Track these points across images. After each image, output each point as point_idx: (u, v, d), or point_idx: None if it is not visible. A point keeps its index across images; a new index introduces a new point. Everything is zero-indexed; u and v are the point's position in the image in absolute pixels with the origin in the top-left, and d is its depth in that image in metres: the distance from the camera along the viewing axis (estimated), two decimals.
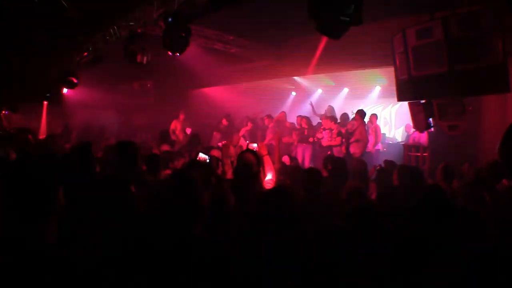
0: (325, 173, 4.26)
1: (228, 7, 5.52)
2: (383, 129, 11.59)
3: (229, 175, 3.84)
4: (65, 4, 6.43)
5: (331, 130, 8.41)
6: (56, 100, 10.83)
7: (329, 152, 8.16)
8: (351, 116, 8.83)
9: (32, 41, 8.39)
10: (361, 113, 8.13)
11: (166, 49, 5.91)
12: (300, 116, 9.48)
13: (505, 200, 3.25)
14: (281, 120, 10.28)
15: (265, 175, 3.41)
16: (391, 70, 5.48)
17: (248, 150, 3.56)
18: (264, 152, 3.58)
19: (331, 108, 10.15)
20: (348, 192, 3.45)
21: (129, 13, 6.76)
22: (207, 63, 10.45)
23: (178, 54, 5.94)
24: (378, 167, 5.09)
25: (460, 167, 5.22)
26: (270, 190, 2.59)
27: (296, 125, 9.66)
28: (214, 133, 10.42)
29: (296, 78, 11.95)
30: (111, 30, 7.35)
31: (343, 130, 8.30)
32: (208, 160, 4.02)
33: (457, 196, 3.54)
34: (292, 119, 10.61)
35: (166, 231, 1.84)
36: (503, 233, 2.33)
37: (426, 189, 3.37)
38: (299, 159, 8.67)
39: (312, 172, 3.71)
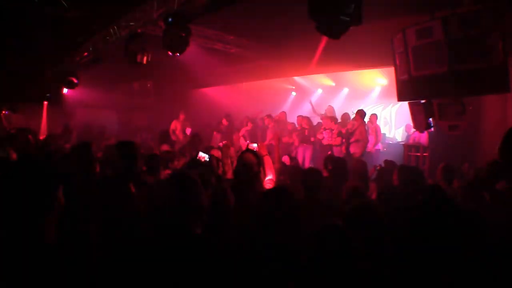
0: (325, 173, 4.26)
1: (228, 7, 5.52)
2: (383, 129, 11.59)
3: (229, 175, 3.85)
4: (65, 4, 6.43)
5: (331, 130, 8.41)
6: (56, 100, 10.84)
7: (329, 152, 8.16)
8: (352, 116, 8.83)
9: (32, 41, 8.38)
10: (361, 113, 8.13)
11: (166, 49, 5.91)
12: (300, 116, 9.47)
13: (505, 200, 3.25)
14: (281, 120, 10.28)
15: (265, 175, 3.41)
16: (391, 70, 5.48)
17: (248, 150, 3.56)
18: (264, 152, 3.59)
19: (331, 108, 10.15)
20: (348, 192, 3.45)
21: (129, 13, 6.76)
22: (207, 63, 10.46)
23: (178, 54, 5.94)
24: (378, 167, 5.10)
25: (460, 167, 5.23)
26: (270, 190, 2.59)
27: (297, 125, 9.66)
28: (214, 133, 10.43)
29: (296, 78, 11.95)
30: (111, 30, 7.35)
31: (343, 130, 8.30)
32: (207, 159, 4.01)
33: (457, 196, 3.54)
34: (292, 119, 10.61)
35: (166, 231, 1.84)
36: (503, 233, 2.33)
37: (426, 189, 3.37)
38: (300, 159, 8.67)
39: (312, 172, 3.71)
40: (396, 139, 11.99)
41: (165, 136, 8.20)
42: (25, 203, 1.44)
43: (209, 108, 13.17)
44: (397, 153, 8.32)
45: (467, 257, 1.78)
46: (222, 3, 5.44)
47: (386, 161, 5.29)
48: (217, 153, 5.09)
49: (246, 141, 8.82)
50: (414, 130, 7.44)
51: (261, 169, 3.31)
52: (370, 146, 8.30)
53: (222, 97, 13.44)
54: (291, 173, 4.55)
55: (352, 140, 7.98)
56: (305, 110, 11.25)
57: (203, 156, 4.03)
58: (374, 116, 9.11)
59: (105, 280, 1.69)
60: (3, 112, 10.53)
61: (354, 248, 1.73)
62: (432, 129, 5.43)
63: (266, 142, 8.25)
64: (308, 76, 11.72)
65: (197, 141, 6.93)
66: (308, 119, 9.18)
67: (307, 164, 8.62)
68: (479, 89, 4.42)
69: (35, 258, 1.38)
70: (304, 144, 8.97)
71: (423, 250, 1.89)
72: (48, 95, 10.87)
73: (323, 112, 10.09)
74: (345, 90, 12.82)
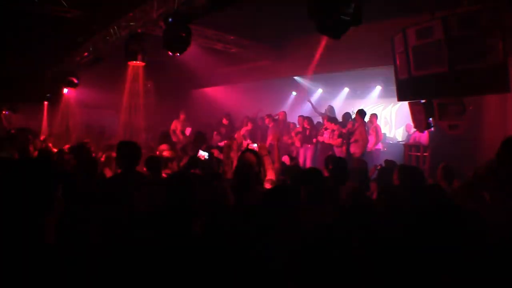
0: (326, 173, 4.26)
1: (228, 7, 5.52)
2: (384, 129, 11.58)
3: (229, 175, 3.84)
4: (65, 4, 6.44)
5: (332, 131, 8.41)
6: (56, 100, 10.85)
7: (330, 153, 8.15)
8: (353, 116, 8.82)
9: (32, 41, 8.39)
10: (361, 113, 8.13)
11: (166, 49, 5.91)
12: (301, 116, 9.46)
13: (505, 200, 3.24)
14: (281, 120, 10.27)
15: (265, 175, 3.41)
16: (391, 70, 5.48)
17: (248, 150, 3.56)
18: (264, 152, 3.58)
19: (331, 108, 10.14)
20: (348, 192, 3.45)
21: (129, 13, 6.77)
22: (207, 63, 10.46)
23: (178, 54, 5.94)
24: (379, 167, 5.09)
25: (461, 167, 5.21)
26: (271, 190, 2.59)
27: (297, 125, 9.64)
28: (214, 133, 10.42)
29: (296, 78, 11.94)
30: (111, 30, 7.35)
31: (344, 131, 8.29)
32: (207, 157, 4.01)
33: (457, 196, 3.53)
34: (292, 119, 10.60)
35: (165, 230, 1.84)
36: (503, 233, 2.33)
37: (426, 188, 3.37)
38: (301, 160, 8.66)
39: (312, 172, 3.70)
40: (397, 139, 11.98)
41: (165, 137, 8.19)
42: (26, 203, 1.44)
43: (209, 108, 13.16)
44: (397, 153, 8.31)
45: (467, 257, 1.77)
46: (222, 3, 5.44)
47: (386, 161, 5.28)
48: (217, 153, 5.10)
49: (246, 141, 8.82)
50: (415, 129, 7.44)
51: (261, 169, 3.31)
52: (370, 146, 8.30)
53: (222, 97, 13.43)
54: (291, 173, 4.54)
55: (351, 140, 7.98)
56: (305, 110, 11.24)
57: (203, 154, 4.03)
58: (374, 116, 9.10)
59: (105, 279, 1.69)
60: (3, 112, 10.54)
61: (353, 248, 1.72)
62: (432, 128, 5.43)
63: (267, 143, 8.24)
64: (308, 75, 11.73)
65: (201, 139, 6.90)
66: (309, 119, 9.17)
67: (308, 164, 8.61)
68: (479, 89, 4.42)
69: (35, 258, 1.38)
70: (306, 145, 8.96)
71: (423, 250, 1.89)
72: (48, 95, 10.87)
73: (323, 112, 10.08)
74: (345, 90, 12.81)
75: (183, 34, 5.73)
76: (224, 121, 10.29)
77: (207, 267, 1.73)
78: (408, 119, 7.08)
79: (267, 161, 3.49)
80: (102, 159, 5.58)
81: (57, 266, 1.42)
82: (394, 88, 5.48)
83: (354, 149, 7.88)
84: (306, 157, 8.91)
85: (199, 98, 13.86)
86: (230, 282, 1.78)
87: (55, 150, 6.87)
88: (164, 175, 4.31)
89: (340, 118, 9.19)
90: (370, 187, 4.44)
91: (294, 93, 13.88)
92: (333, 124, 8.52)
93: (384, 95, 11.92)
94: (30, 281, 1.35)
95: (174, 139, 9.25)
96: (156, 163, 4.23)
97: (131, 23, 6.82)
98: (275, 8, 6.79)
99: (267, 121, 9.94)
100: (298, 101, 13.41)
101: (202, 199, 1.99)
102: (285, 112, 10.61)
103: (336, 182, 3.89)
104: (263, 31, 8.51)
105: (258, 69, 10.83)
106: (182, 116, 9.87)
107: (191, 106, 12.61)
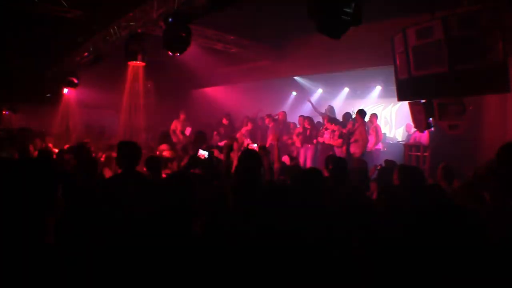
0: (326, 173, 4.26)
1: (228, 7, 5.52)
2: (384, 129, 11.58)
3: (230, 174, 3.84)
4: (65, 4, 6.44)
5: (333, 131, 8.40)
6: (56, 100, 10.86)
7: (330, 153, 8.15)
8: (353, 116, 8.82)
9: (32, 41, 8.40)
10: (361, 113, 8.14)
11: (166, 49, 5.91)
12: (302, 116, 9.45)
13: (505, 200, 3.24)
14: (281, 120, 10.27)
15: (265, 175, 3.41)
16: (391, 70, 5.48)
17: (248, 150, 3.56)
18: (263, 152, 3.58)
19: (331, 108, 10.14)
20: (348, 192, 3.45)
21: (129, 13, 6.77)
22: (207, 63, 10.45)
23: (178, 54, 5.94)
24: (379, 167, 5.09)
25: (461, 167, 5.21)
26: (271, 190, 2.59)
27: (298, 125, 9.64)
28: (214, 133, 10.42)
29: (296, 78, 11.95)
30: (111, 30, 7.35)
31: (344, 131, 8.29)
32: (207, 157, 4.01)
33: (457, 196, 3.53)
34: (292, 119, 10.59)
35: (165, 230, 1.84)
36: (503, 233, 2.33)
37: (426, 188, 3.37)
38: (301, 160, 8.66)
39: (312, 172, 3.70)
40: (397, 139, 11.98)
41: (165, 137, 8.19)
42: (26, 203, 1.44)
43: (209, 108, 13.16)
44: (397, 153, 8.31)
45: (467, 257, 1.77)
46: (222, 3, 5.44)
47: (386, 161, 5.28)
48: (216, 153, 5.10)
49: (246, 140, 8.82)
50: (415, 129, 7.44)
51: (261, 169, 3.31)
52: (370, 146, 8.30)
53: (222, 97, 13.43)
54: (291, 173, 4.54)
55: (351, 140, 7.98)
56: (305, 110, 11.24)
57: (203, 154, 4.03)
58: (374, 116, 9.11)
59: (104, 279, 1.69)
60: (4, 112, 10.55)
61: (354, 249, 1.73)
62: (433, 128, 5.43)
63: (267, 143, 8.24)
64: (308, 75, 11.74)
65: (201, 139, 6.90)
66: (309, 119, 9.17)
67: (309, 165, 8.61)
68: (479, 89, 4.42)
69: (35, 258, 1.38)
70: (306, 145, 8.96)
71: (423, 250, 1.89)
72: (48, 95, 10.88)
73: (323, 111, 10.08)
74: (346, 90, 12.82)
75: (183, 34, 5.73)
76: (224, 121, 10.29)
77: (207, 267, 1.73)
78: (408, 119, 7.09)
79: (266, 161, 3.49)
80: (102, 159, 5.58)
81: (57, 266, 1.42)
82: (394, 88, 5.48)
83: (354, 149, 7.88)
84: (306, 157, 8.91)
85: (199, 98, 13.86)
86: (230, 282, 1.78)
87: (56, 150, 6.87)
88: (164, 175, 4.31)
89: (340, 118, 9.19)
90: (370, 187, 4.44)
91: (294, 93, 13.88)
92: (333, 124, 8.52)
93: (384, 95, 11.93)
94: (30, 281, 1.35)
95: (174, 139, 9.24)
96: (156, 163, 4.23)
97: (131, 23, 6.82)
98: (275, 8, 6.79)
99: (267, 121, 9.94)
100: (298, 101, 13.41)
101: (202, 199, 1.99)
102: (285, 112, 10.60)
103: (336, 182, 3.89)
104: (263, 31, 8.51)
105: (258, 69, 10.83)
106: (182, 116, 9.87)
107: (191, 106, 12.61)
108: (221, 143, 8.56)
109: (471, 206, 2.95)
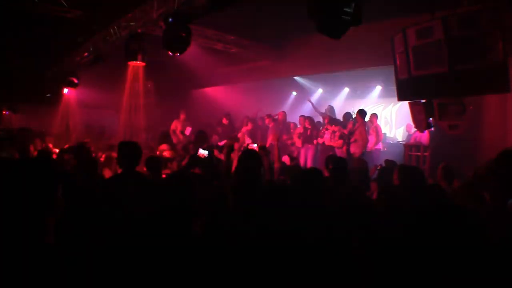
0: (326, 173, 4.26)
1: (228, 7, 5.53)
2: (384, 129, 11.58)
3: (230, 174, 3.84)
4: (65, 4, 6.44)
5: (333, 132, 8.41)
6: (56, 100, 10.86)
7: (331, 153, 8.15)
8: (353, 115, 8.82)
9: (32, 41, 8.40)
10: (362, 113, 8.14)
11: (166, 49, 5.91)
12: (303, 116, 9.45)
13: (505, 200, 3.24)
14: (281, 120, 10.27)
15: (265, 175, 3.41)
16: (391, 69, 5.48)
17: (248, 150, 3.56)
18: (263, 152, 3.58)
19: (331, 108, 10.14)
20: (348, 192, 3.45)
21: (129, 13, 6.77)
22: (207, 63, 10.45)
23: (178, 54, 5.94)
24: (379, 167, 5.09)
25: (461, 167, 5.22)
26: (271, 190, 2.59)
27: (298, 125, 9.64)
28: (214, 134, 10.42)
29: (296, 78, 11.95)
30: (111, 30, 7.35)
31: (346, 132, 8.29)
32: (207, 156, 4.00)
33: (457, 196, 3.53)
34: (292, 119, 10.59)
35: (165, 230, 1.84)
36: (503, 233, 2.33)
37: (427, 188, 3.37)
38: (302, 160, 8.66)
39: (313, 172, 3.70)
40: (397, 139, 11.98)
41: (165, 137, 8.19)
42: (26, 203, 1.44)
43: (209, 108, 13.16)
44: (397, 153, 8.31)
45: (467, 257, 1.77)
46: (222, 3, 5.44)
47: (386, 161, 5.28)
48: (216, 153, 5.10)
49: (246, 140, 8.82)
50: (415, 129, 7.44)
51: (261, 169, 3.31)
52: (370, 146, 8.30)
53: (222, 97, 13.43)
54: (291, 173, 4.54)
55: (351, 140, 7.98)
56: (306, 110, 11.24)
57: (203, 153, 4.02)
58: (374, 116, 9.11)
59: (104, 280, 1.69)
60: (4, 112, 10.55)
61: (354, 249, 1.72)
62: (433, 128, 5.43)
63: (268, 143, 8.24)
64: (308, 75, 11.74)
65: (202, 138, 6.89)
66: (310, 119, 9.17)
67: (309, 165, 8.60)
68: (479, 89, 4.42)
69: (35, 258, 1.38)
70: (307, 145, 8.96)
71: (423, 250, 1.89)
72: (48, 95, 10.88)
73: (323, 111, 10.08)
74: (346, 90, 12.82)
75: (183, 34, 5.73)
76: (224, 121, 10.29)
77: (207, 267, 1.73)
78: (409, 119, 7.09)
79: (266, 161, 3.49)
80: (102, 159, 5.58)
81: (57, 266, 1.42)
82: (394, 88, 5.48)
83: (354, 149, 7.88)
84: (307, 157, 8.91)
85: (199, 98, 13.86)
86: (230, 282, 1.78)
87: (56, 150, 6.88)
88: (164, 175, 4.31)
89: (340, 118, 9.20)
90: (370, 187, 4.44)
91: (294, 93, 13.88)
92: (333, 125, 8.52)
93: (384, 95, 11.93)
94: (30, 281, 1.35)
95: (174, 139, 9.25)
96: (156, 163, 4.23)
97: (131, 23, 6.82)
98: (275, 8, 6.79)
99: (267, 121, 9.94)
100: (298, 101, 13.41)
101: (202, 199, 1.99)
102: (284, 112, 10.60)
103: (336, 182, 3.89)
104: (263, 31, 8.51)
105: (258, 69, 10.83)
106: (182, 116, 9.87)
107: (191, 106, 12.61)
108: (221, 143, 8.56)
109: (471, 206, 2.95)
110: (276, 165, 4.19)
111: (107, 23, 7.34)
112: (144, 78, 10.84)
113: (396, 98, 5.51)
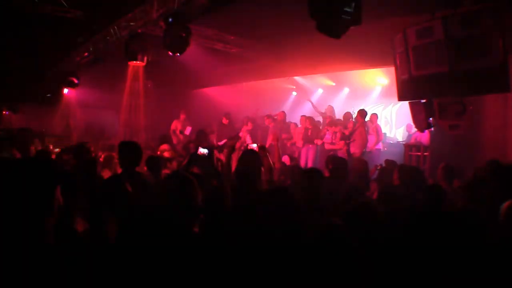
0: (326, 173, 4.26)
1: (228, 7, 5.53)
2: (384, 129, 11.58)
3: (230, 174, 3.84)
4: (65, 4, 6.44)
5: (334, 133, 8.41)
6: (56, 100, 10.86)
7: (331, 153, 8.15)
8: (354, 115, 8.82)
9: (32, 41, 8.40)
10: (362, 113, 8.14)
11: (166, 49, 5.91)
12: (304, 116, 9.45)
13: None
14: (281, 120, 10.27)
15: (265, 175, 3.41)
16: (391, 69, 5.48)
17: (248, 150, 3.56)
18: (263, 152, 3.58)
19: (331, 108, 10.13)
20: (348, 191, 3.44)
21: (129, 13, 6.77)
22: (207, 63, 10.44)
23: (178, 54, 5.94)
24: (379, 167, 5.09)
25: (461, 167, 5.21)
26: (271, 190, 2.59)
27: (299, 125, 9.64)
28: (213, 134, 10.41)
29: (296, 78, 11.94)
30: (111, 30, 7.35)
31: (346, 133, 8.29)
32: (206, 154, 3.99)
33: (457, 196, 3.53)
34: (292, 119, 10.59)
35: (164, 230, 1.84)
36: (503, 233, 2.33)
37: (427, 188, 3.37)
38: (303, 160, 8.66)
39: (313, 172, 3.70)
40: (397, 139, 11.98)
41: (165, 138, 8.19)
42: (25, 203, 1.44)
43: (209, 108, 13.16)
44: (397, 153, 8.31)
45: (467, 257, 1.77)
46: (221, 3, 5.44)
47: (386, 161, 5.28)
48: (216, 153, 5.09)
49: (246, 140, 8.82)
50: (416, 129, 7.44)
51: (261, 169, 3.31)
52: (370, 146, 8.30)
53: (222, 97, 13.43)
54: (291, 173, 4.54)
55: (351, 140, 7.98)
56: (306, 110, 11.24)
57: (203, 152, 4.01)
58: (374, 116, 9.11)
59: (104, 280, 1.69)
60: (4, 112, 10.55)
61: (353, 249, 1.72)
62: (433, 128, 5.43)
63: (268, 143, 8.24)
64: (309, 76, 11.73)
65: (203, 137, 6.88)
66: (311, 119, 9.17)
67: (310, 165, 8.60)
68: (479, 88, 4.42)
69: (34, 258, 1.38)
70: (307, 145, 8.96)
71: (423, 250, 1.89)
72: (48, 95, 10.89)
73: (323, 111, 10.08)
74: (346, 90, 12.82)
75: (183, 34, 5.73)
76: (224, 121, 10.29)
77: (207, 268, 1.73)
78: (409, 119, 7.08)
79: (266, 161, 3.49)
80: (101, 159, 5.57)
81: (57, 266, 1.42)
82: (394, 88, 5.48)
83: (354, 149, 7.88)
84: (307, 157, 8.91)
85: (199, 98, 13.86)
86: (230, 282, 1.78)
87: (57, 150, 6.88)
88: (163, 174, 4.30)
89: (341, 118, 9.20)
90: (370, 187, 4.44)
91: (294, 93, 13.88)
92: (333, 126, 8.52)
93: (384, 95, 11.93)
94: (30, 281, 1.35)
95: (174, 139, 9.25)
96: (156, 163, 4.23)
97: (131, 23, 6.82)
98: (275, 8, 6.79)
99: (267, 121, 9.94)
100: (298, 101, 13.42)
101: (202, 199, 1.99)
102: (284, 113, 10.60)
103: (336, 181, 3.89)
104: (263, 31, 8.50)
105: (258, 69, 10.82)
106: (182, 116, 9.88)
107: (191, 106, 12.60)
108: (221, 143, 8.56)
109: (471, 206, 2.95)
110: (276, 165, 4.18)
111: (107, 23, 7.34)
112: (144, 78, 10.86)
113: (396, 98, 5.51)
